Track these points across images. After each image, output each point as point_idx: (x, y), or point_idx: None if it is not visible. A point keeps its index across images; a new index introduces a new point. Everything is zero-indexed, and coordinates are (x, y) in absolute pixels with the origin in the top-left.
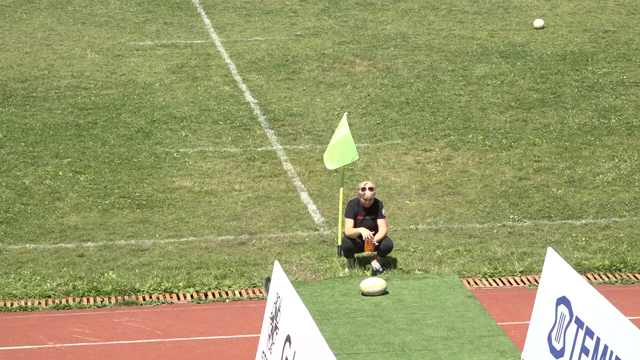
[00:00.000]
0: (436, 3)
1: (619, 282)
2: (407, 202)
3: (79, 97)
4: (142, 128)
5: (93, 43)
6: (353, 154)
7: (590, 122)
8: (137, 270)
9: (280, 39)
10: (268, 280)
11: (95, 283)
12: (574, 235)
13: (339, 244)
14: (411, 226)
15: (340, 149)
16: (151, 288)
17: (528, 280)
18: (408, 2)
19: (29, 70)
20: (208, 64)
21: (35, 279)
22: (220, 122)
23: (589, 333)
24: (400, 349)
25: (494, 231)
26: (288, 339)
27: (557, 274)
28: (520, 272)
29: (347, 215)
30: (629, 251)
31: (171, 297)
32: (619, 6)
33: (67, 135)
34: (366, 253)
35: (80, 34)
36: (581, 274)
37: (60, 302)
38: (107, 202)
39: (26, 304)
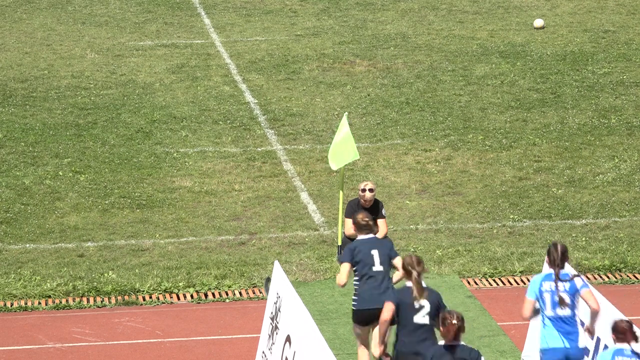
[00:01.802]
0: (436, 3)
1: (619, 282)
2: (407, 202)
3: (79, 97)
4: (142, 128)
5: (93, 43)
6: (354, 153)
7: (590, 122)
8: (137, 270)
9: (280, 39)
10: (268, 280)
11: (95, 283)
12: (574, 235)
13: (339, 244)
14: (411, 226)
15: (342, 148)
16: (151, 288)
17: (528, 280)
18: (408, 2)
19: (29, 70)
20: (208, 64)
21: (35, 279)
22: (220, 122)
23: (589, 333)
24: None
25: (494, 231)
26: (288, 339)
27: None
28: (520, 272)
29: (347, 215)
30: (629, 251)
31: (171, 297)
32: (619, 6)
33: (67, 135)
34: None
35: (80, 34)
36: (581, 274)
37: (60, 302)
38: (107, 202)
39: (26, 304)
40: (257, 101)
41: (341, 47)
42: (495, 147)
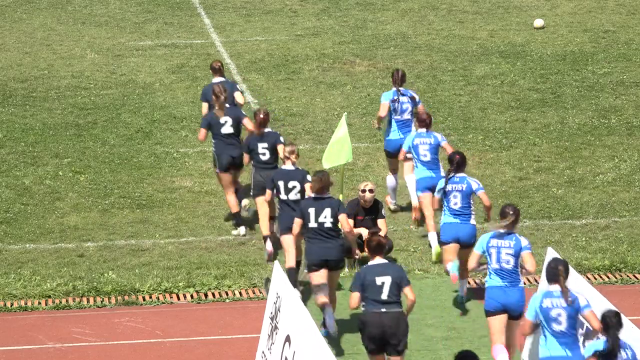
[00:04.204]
0: (436, 3)
1: (619, 282)
2: (407, 202)
3: (79, 97)
4: (142, 128)
5: (93, 43)
6: (348, 155)
7: (590, 122)
8: (137, 270)
9: (280, 39)
10: (268, 280)
11: (95, 283)
12: (574, 235)
13: None
14: (411, 226)
15: (337, 149)
16: (151, 288)
17: (529, 280)
18: (408, 2)
19: (29, 70)
20: (208, 64)
21: (35, 279)
22: None
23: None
24: None
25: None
26: (288, 339)
27: None
28: None
29: (347, 215)
30: (629, 251)
31: (171, 297)
32: (619, 6)
33: (67, 135)
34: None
35: (80, 34)
36: (581, 274)
37: (60, 302)
38: (107, 202)
39: (26, 304)
40: (257, 101)
41: (341, 47)
42: (495, 147)
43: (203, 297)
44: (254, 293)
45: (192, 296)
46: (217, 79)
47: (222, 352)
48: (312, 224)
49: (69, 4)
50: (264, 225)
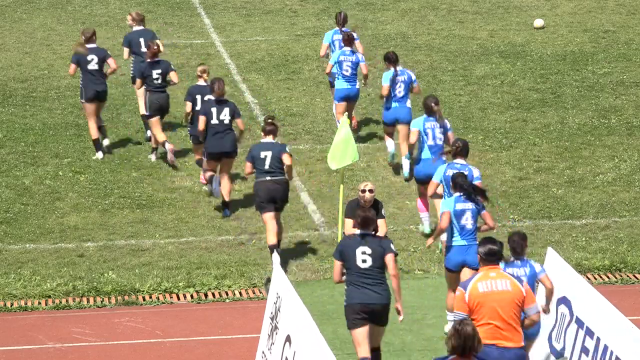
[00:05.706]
0: (436, 3)
1: (619, 282)
2: (407, 202)
3: (79, 97)
4: (142, 128)
5: None
6: (354, 155)
7: (590, 122)
8: (137, 270)
9: (280, 39)
10: (268, 280)
11: (95, 283)
12: (574, 235)
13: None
14: (411, 226)
15: (341, 149)
16: (151, 288)
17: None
18: (408, 2)
19: (29, 70)
20: (208, 64)
21: (35, 279)
22: None
23: (589, 333)
24: (400, 348)
25: (494, 231)
26: (288, 339)
27: (557, 274)
28: None
29: (347, 215)
30: (629, 251)
31: (171, 297)
32: (619, 6)
33: (67, 135)
34: None
35: (80, 34)
36: (581, 274)
37: (60, 302)
38: (107, 202)
39: (26, 304)
40: (257, 101)
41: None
42: (495, 147)
43: (203, 297)
44: (254, 293)
45: (192, 296)
46: (137, 28)
47: (222, 352)
48: (214, 121)
49: (69, 4)
50: (160, 136)
